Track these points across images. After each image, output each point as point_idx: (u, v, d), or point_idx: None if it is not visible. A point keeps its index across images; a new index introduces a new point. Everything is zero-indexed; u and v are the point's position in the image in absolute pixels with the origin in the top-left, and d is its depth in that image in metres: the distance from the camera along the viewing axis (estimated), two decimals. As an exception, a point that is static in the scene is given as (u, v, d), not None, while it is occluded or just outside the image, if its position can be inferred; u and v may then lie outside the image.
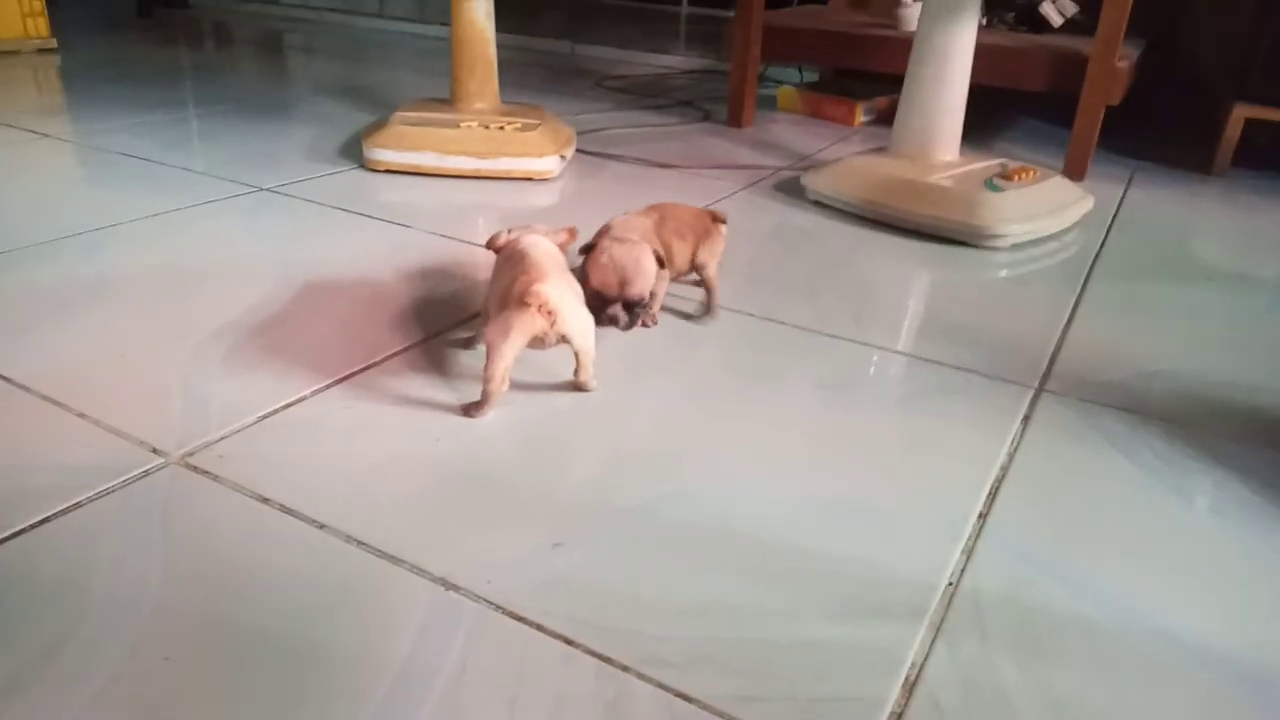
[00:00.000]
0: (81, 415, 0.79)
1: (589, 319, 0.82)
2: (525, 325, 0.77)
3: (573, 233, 0.94)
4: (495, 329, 0.79)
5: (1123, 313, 1.12)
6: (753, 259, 1.24)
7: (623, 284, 0.90)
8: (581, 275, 0.91)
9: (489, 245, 0.92)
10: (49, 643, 0.55)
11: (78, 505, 0.67)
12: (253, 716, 0.51)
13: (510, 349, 0.78)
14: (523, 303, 0.77)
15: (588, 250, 0.93)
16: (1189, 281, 1.24)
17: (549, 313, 0.77)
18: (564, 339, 0.80)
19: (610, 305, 0.91)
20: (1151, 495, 0.76)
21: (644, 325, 1.01)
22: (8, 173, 1.45)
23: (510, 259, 0.85)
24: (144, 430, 0.77)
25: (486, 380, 0.79)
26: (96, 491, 0.69)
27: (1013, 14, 2.00)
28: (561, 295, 0.79)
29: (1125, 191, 1.66)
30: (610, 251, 0.91)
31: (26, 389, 0.83)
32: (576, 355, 0.83)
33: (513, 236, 0.91)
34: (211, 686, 0.53)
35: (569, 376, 0.87)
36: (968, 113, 1.46)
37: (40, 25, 2.50)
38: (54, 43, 2.54)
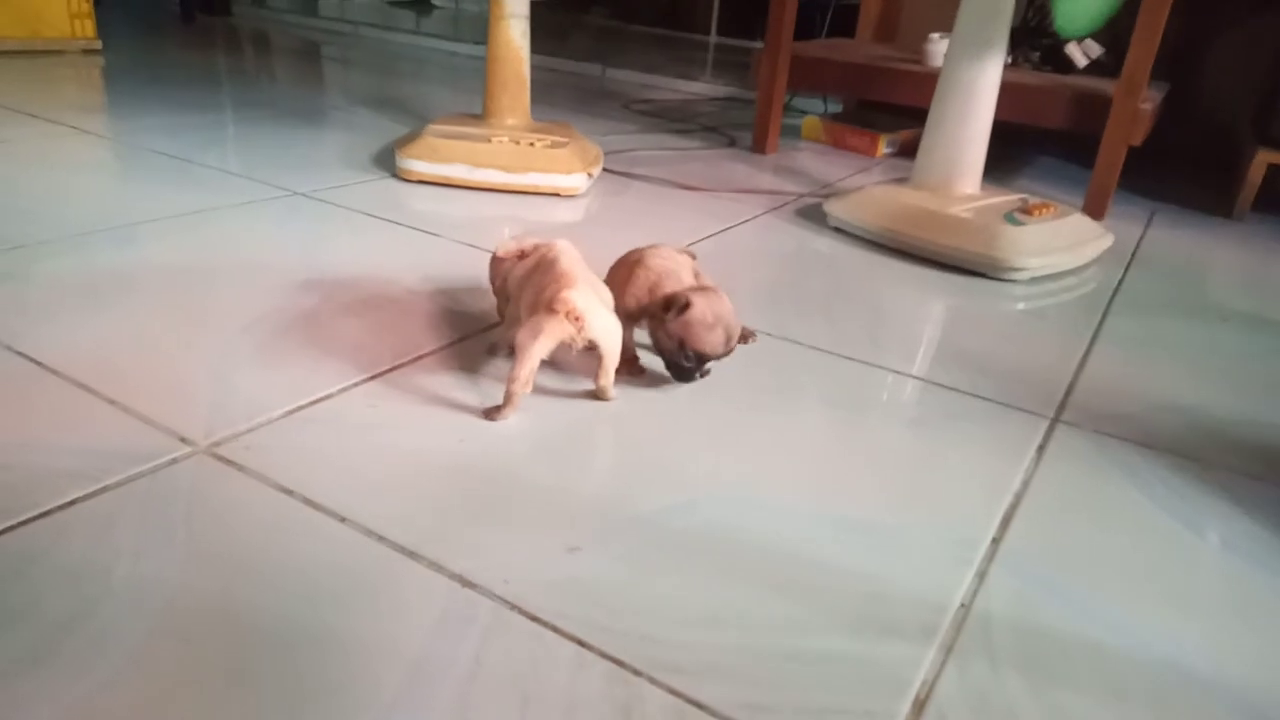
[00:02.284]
0: (111, 402, 0.81)
1: (617, 325, 0.84)
2: (554, 330, 0.79)
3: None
4: (525, 332, 0.81)
5: (1139, 348, 1.13)
6: (772, 280, 1.25)
7: (729, 341, 0.86)
8: (661, 331, 0.87)
9: (498, 258, 0.95)
10: (69, 620, 0.56)
11: (104, 489, 0.69)
12: (267, 702, 0.52)
13: (538, 352, 0.80)
14: (552, 309, 0.79)
15: (676, 308, 0.85)
16: (1205, 320, 1.25)
17: (577, 319, 0.79)
18: (591, 345, 0.82)
19: (704, 361, 0.87)
20: (1163, 527, 0.76)
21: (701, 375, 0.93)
22: (47, 166, 1.49)
23: (540, 266, 0.87)
24: (172, 419, 0.79)
25: (511, 381, 0.81)
26: (123, 476, 0.71)
27: (1038, 53, 2.02)
28: (590, 302, 0.81)
29: (1145, 231, 1.67)
30: (713, 309, 0.85)
31: (58, 374, 0.85)
32: (601, 360, 0.85)
33: (525, 246, 0.92)
34: (228, 671, 0.54)
35: (589, 385, 0.88)
36: (990, 148, 1.47)
37: (87, 26, 2.57)
38: (99, 44, 2.60)
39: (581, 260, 0.89)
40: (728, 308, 0.86)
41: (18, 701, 0.50)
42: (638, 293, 0.90)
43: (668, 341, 0.86)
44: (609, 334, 0.83)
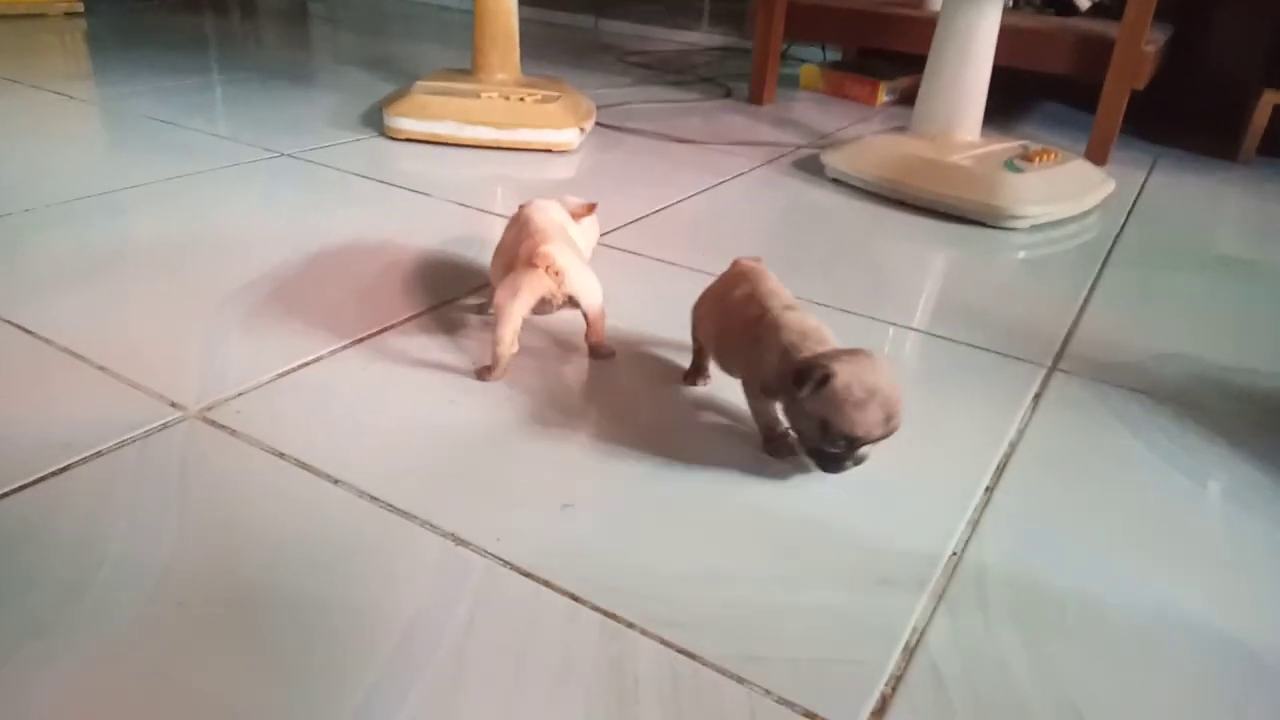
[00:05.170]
0: (102, 369, 0.80)
1: (595, 280, 0.83)
2: (533, 286, 0.78)
3: (591, 207, 0.94)
4: (503, 291, 0.80)
5: (1139, 296, 1.11)
6: (769, 234, 1.24)
7: (890, 419, 0.66)
8: (795, 409, 0.69)
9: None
10: (67, 589, 0.56)
11: (97, 455, 0.69)
12: (265, 664, 0.52)
13: (518, 309, 0.79)
14: (530, 264, 0.78)
15: (813, 382, 0.65)
16: (1207, 267, 1.23)
17: (556, 273, 0.78)
18: (571, 300, 0.81)
19: (856, 446, 0.67)
20: (1161, 475, 0.76)
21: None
22: (32, 133, 1.47)
23: (514, 225, 0.86)
24: (163, 385, 0.78)
25: (496, 342, 0.80)
26: (115, 443, 0.70)
27: (1041, -5, 1.97)
28: (568, 257, 0.80)
29: (1147, 177, 1.65)
30: (864, 378, 0.65)
31: (49, 342, 0.84)
32: (585, 316, 0.84)
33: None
34: (225, 634, 0.54)
35: (582, 344, 0.88)
36: (991, 95, 1.45)
37: (68, -11, 2.52)
38: (80, 7, 2.55)
39: (561, 219, 0.88)
40: (884, 374, 0.66)
41: (18, 670, 0.51)
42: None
43: (805, 423, 0.68)
44: (591, 290, 0.82)
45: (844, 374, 0.65)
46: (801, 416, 0.68)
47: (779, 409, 0.73)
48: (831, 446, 0.67)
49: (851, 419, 0.65)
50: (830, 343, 0.70)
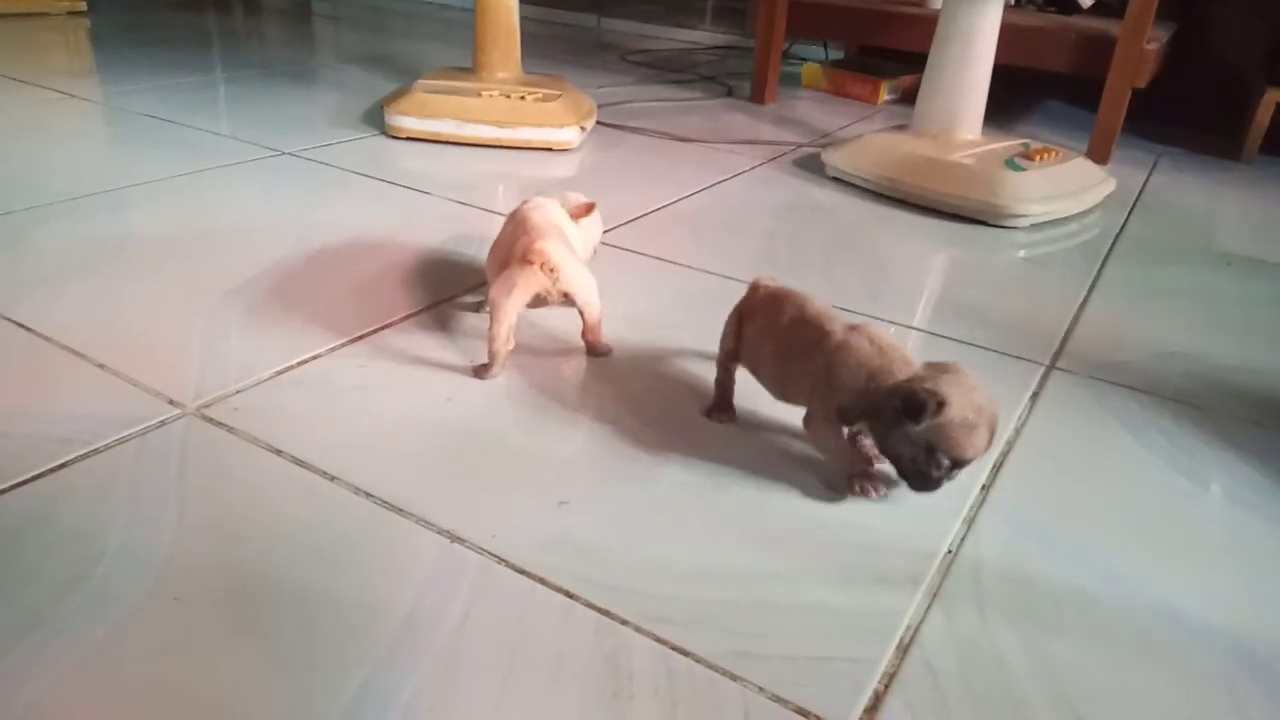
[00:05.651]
0: (101, 366, 0.81)
1: (591, 278, 0.83)
2: (528, 282, 0.79)
3: (590, 207, 0.94)
4: (499, 287, 0.80)
5: (1139, 294, 1.11)
6: (768, 233, 1.24)
7: (992, 437, 0.66)
8: (897, 435, 0.66)
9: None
10: (66, 583, 0.57)
11: (95, 451, 0.69)
12: (261, 658, 0.52)
13: (513, 306, 0.79)
14: (526, 261, 0.78)
15: (931, 411, 0.63)
16: (1208, 265, 1.23)
17: (551, 270, 0.78)
18: (566, 297, 0.81)
19: (961, 466, 0.66)
20: (1158, 473, 0.75)
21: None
22: (35, 131, 1.47)
23: (511, 223, 0.86)
24: (161, 382, 0.79)
25: (492, 339, 0.80)
26: (114, 439, 0.71)
27: (1043, -6, 1.97)
28: (564, 254, 0.80)
29: (1149, 176, 1.64)
30: (972, 400, 0.64)
31: (49, 339, 0.84)
32: (582, 314, 0.84)
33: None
34: (222, 628, 0.54)
35: (579, 343, 0.88)
36: (992, 93, 1.44)
37: (72, -12, 2.53)
38: (84, 6, 2.56)
39: (557, 217, 0.88)
40: (982, 391, 0.65)
41: (18, 663, 0.51)
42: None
43: (906, 448, 0.65)
44: (586, 287, 0.82)
45: (956, 401, 0.63)
46: (903, 441, 0.65)
47: (847, 432, 0.71)
48: (935, 469, 0.65)
49: (963, 444, 0.63)
50: (910, 361, 0.67)
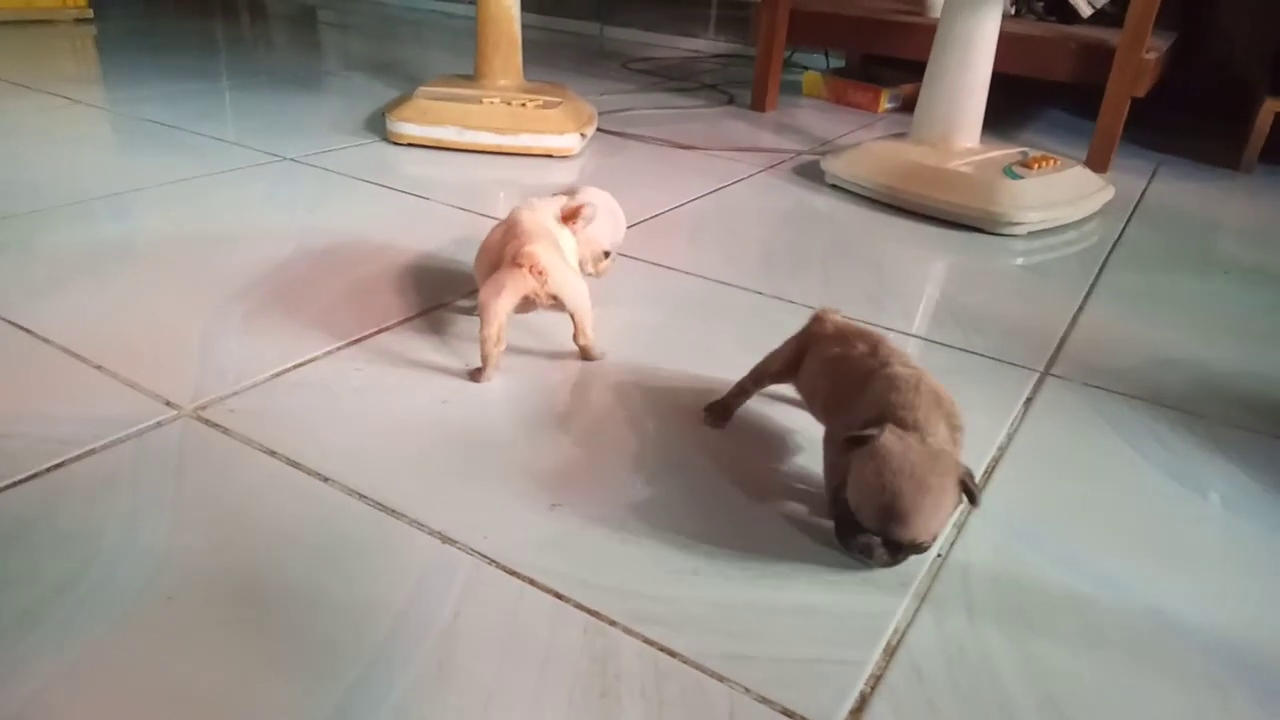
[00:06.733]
0: (99, 368, 0.81)
1: (581, 282, 0.83)
2: (517, 285, 0.79)
3: (578, 209, 0.94)
4: (488, 289, 0.80)
5: (1136, 301, 1.11)
6: (768, 240, 1.24)
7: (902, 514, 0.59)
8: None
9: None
10: (62, 582, 0.57)
11: (93, 452, 0.70)
12: (254, 657, 0.53)
13: (502, 307, 0.80)
14: (514, 263, 0.79)
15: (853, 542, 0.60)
16: (1206, 273, 1.23)
17: (539, 272, 0.79)
18: (554, 300, 0.81)
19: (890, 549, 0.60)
20: (1150, 478, 0.76)
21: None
22: (41, 137, 1.49)
23: (502, 225, 0.87)
24: (159, 384, 0.79)
25: (483, 341, 0.81)
26: (111, 440, 0.71)
27: (1041, 3, 1.98)
28: (551, 257, 0.80)
29: (1148, 184, 1.65)
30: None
31: (48, 342, 0.85)
32: (572, 317, 0.84)
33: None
34: (216, 628, 0.55)
35: (573, 346, 0.88)
36: (992, 101, 1.45)
37: (78, -4, 2.55)
38: (91, 13, 2.58)
39: (547, 222, 0.88)
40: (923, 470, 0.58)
41: (15, 662, 0.51)
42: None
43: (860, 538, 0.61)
44: (575, 290, 0.82)
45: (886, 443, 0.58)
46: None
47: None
48: (877, 554, 0.61)
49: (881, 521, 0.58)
50: (918, 406, 0.61)
